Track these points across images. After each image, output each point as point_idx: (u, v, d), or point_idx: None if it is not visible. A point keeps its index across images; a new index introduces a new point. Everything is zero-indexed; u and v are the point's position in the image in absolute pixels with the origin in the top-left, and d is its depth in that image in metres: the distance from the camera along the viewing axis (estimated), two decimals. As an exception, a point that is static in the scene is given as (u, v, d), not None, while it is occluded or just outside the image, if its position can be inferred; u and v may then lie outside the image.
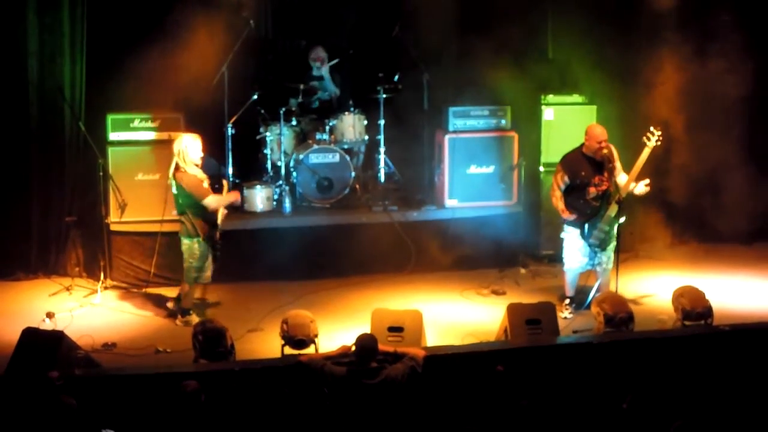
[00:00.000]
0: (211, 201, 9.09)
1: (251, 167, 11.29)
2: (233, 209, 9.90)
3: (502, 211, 10.99)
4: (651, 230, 11.31)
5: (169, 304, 9.52)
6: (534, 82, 10.97)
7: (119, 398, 7.10)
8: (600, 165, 9.24)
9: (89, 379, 7.29)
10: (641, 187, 9.24)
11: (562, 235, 9.50)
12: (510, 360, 7.32)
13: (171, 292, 9.79)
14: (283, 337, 7.98)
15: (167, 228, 9.99)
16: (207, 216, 9.15)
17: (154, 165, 10.24)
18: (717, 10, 11.16)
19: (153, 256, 10.16)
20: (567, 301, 9.51)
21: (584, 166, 9.23)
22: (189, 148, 9.06)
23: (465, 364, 7.54)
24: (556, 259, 10.11)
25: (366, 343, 7.05)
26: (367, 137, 11.36)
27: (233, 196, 9.44)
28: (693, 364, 7.68)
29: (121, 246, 10.29)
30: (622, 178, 9.30)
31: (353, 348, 7.10)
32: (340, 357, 7.18)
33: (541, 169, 11.00)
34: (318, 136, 11.11)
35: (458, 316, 9.47)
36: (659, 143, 9.12)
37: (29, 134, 10.30)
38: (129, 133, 10.32)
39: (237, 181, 10.86)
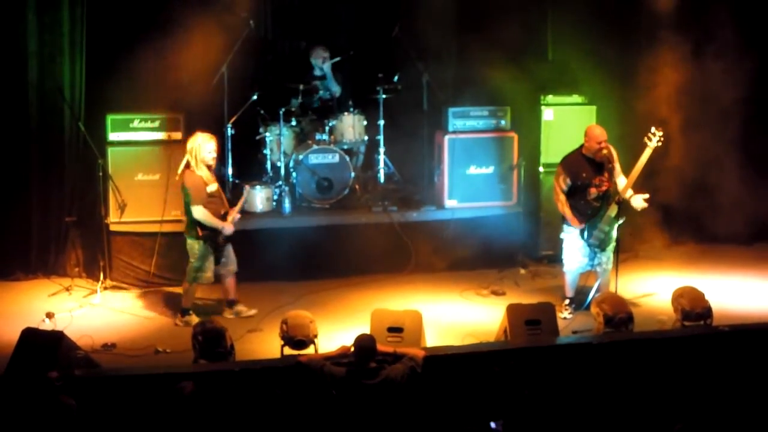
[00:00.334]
0: (198, 211, 9.01)
1: (251, 167, 11.29)
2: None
3: (501, 211, 10.99)
4: (649, 231, 11.30)
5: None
6: (534, 82, 10.97)
7: (119, 399, 7.09)
8: (600, 165, 9.23)
9: (89, 379, 7.26)
10: (639, 201, 9.22)
11: (562, 235, 9.49)
12: (510, 360, 7.32)
13: (171, 292, 9.79)
14: (283, 338, 7.97)
15: (167, 228, 10.01)
16: None
17: (154, 165, 10.24)
18: (716, 11, 11.16)
19: (153, 256, 10.16)
20: (567, 301, 9.50)
21: (585, 167, 9.22)
22: (202, 146, 9.04)
23: (465, 364, 7.52)
24: (556, 259, 10.11)
25: (365, 343, 7.05)
26: (366, 137, 11.36)
27: (222, 225, 9.11)
28: (692, 364, 7.67)
29: (120, 246, 10.27)
30: (621, 180, 9.29)
31: (352, 348, 7.11)
32: (340, 357, 7.17)
33: (541, 169, 10.99)
34: (318, 136, 11.11)
35: (458, 316, 9.47)
36: (660, 143, 9.12)
37: (29, 134, 10.29)
38: (129, 133, 10.31)
39: (237, 181, 10.86)
